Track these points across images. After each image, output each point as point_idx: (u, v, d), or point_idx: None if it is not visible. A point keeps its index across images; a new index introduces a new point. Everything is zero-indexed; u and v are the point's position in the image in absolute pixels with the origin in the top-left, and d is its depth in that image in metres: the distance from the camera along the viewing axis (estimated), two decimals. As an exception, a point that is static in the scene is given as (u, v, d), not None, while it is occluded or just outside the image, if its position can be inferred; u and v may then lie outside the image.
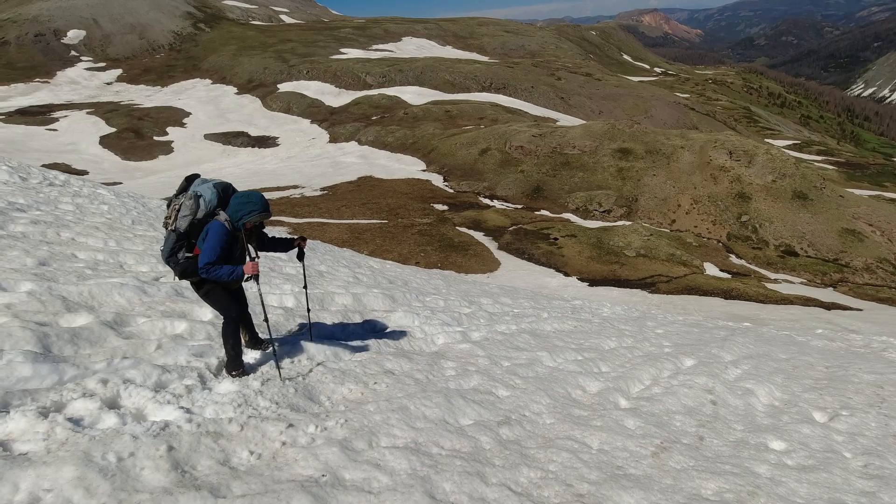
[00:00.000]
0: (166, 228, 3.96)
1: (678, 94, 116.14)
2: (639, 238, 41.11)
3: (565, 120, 75.64)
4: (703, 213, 47.00)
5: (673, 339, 9.05)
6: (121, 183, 45.69)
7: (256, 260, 4.04)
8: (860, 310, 29.27)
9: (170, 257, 3.95)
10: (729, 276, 37.56)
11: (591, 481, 3.47)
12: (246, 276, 3.96)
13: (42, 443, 2.82)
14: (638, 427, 4.52)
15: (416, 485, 3.06)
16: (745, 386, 6.17)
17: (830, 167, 71.39)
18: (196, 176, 4.12)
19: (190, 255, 3.95)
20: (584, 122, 68.79)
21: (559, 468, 3.60)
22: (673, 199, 48.77)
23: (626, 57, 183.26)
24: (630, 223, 45.39)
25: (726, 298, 32.73)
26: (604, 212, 48.53)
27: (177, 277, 4.04)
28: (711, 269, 38.72)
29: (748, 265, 40.84)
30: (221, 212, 3.96)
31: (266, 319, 4.38)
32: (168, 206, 4.08)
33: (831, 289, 36.85)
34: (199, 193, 3.92)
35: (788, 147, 76.82)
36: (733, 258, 41.86)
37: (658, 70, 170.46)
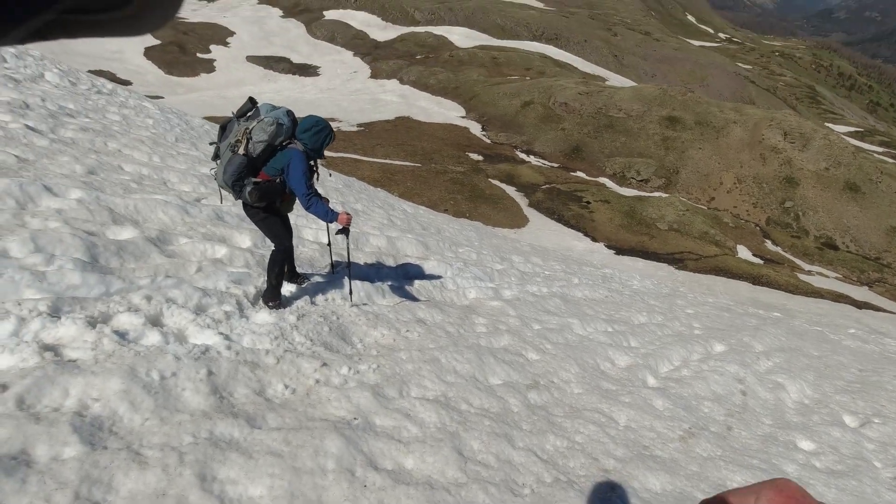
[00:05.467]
0: (233, 152, 3.83)
1: (740, 64, 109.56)
2: (673, 211, 40.11)
3: (615, 80, 72.56)
4: (745, 193, 45.36)
5: (703, 321, 8.88)
6: (163, 97, 45.88)
7: (348, 213, 4.06)
8: (894, 313, 28.36)
9: (236, 181, 3.86)
10: (761, 261, 36.62)
11: (618, 458, 3.45)
12: (339, 228, 4.01)
13: (90, 352, 2.89)
14: (666, 408, 4.47)
15: (446, 439, 3.07)
16: (775, 379, 6.04)
17: (892, 160, 67.51)
18: (255, 100, 4.00)
19: (258, 180, 3.89)
20: (635, 84, 65.92)
21: (586, 440, 3.59)
22: (716, 175, 47.08)
23: (689, 18, 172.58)
24: (667, 195, 44.18)
25: (754, 284, 32.06)
26: (641, 180, 47.21)
27: (248, 200, 3.93)
28: (744, 253, 37.80)
29: (783, 253, 39.67)
30: (296, 141, 3.91)
31: (349, 267, 4.44)
32: (223, 128, 3.98)
33: (867, 288, 35.68)
34: (280, 120, 3.84)
35: (849, 134, 72.56)
36: (769, 244, 40.65)
37: (722, 36, 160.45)
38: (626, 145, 49.85)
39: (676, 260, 34.26)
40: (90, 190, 5.61)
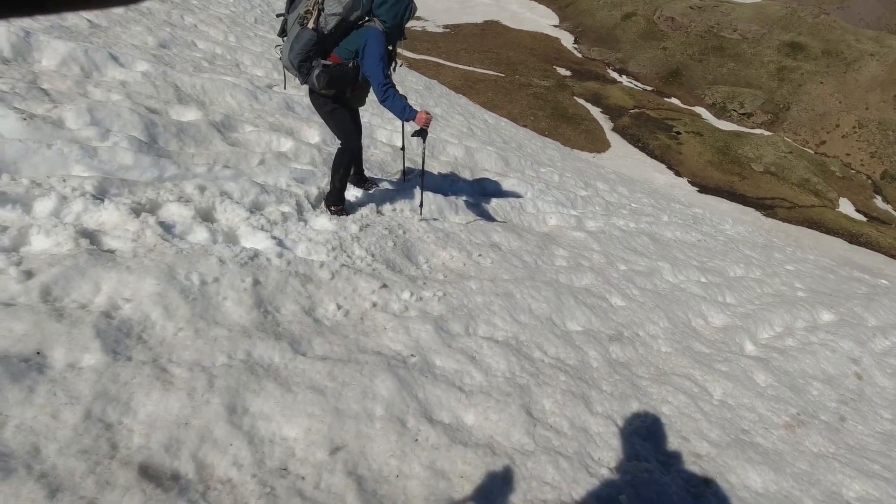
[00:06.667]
0: (302, 26, 3.26)
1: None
2: (774, 153, 36.34)
3: (736, -6, 63.90)
4: (863, 140, 40.12)
5: (806, 281, 7.84)
6: (248, -21, 44.95)
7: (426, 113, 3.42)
8: None
9: (303, 61, 3.32)
10: (864, 219, 33.03)
11: (712, 441, 2.91)
12: (416, 129, 3.41)
13: (130, 243, 2.58)
14: (769, 385, 3.82)
15: (514, 394, 2.63)
16: (896, 363, 5.18)
17: None
18: None
19: (328, 62, 3.33)
20: (759, 0, 57.78)
21: (674, 413, 3.06)
22: (833, 116, 41.71)
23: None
24: (769, 133, 39.97)
25: (850, 242, 29.28)
26: (743, 114, 42.71)
27: (315, 86, 3.39)
28: (846, 207, 34.22)
29: (894, 213, 35.49)
30: (375, 19, 3.26)
31: (423, 176, 3.93)
32: None
33: None
34: None
35: None
36: (878, 201, 36.42)
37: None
38: (733, 72, 44.72)
39: (766, 206, 31.56)
40: (158, 64, 5.26)
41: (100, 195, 2.88)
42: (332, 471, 1.92)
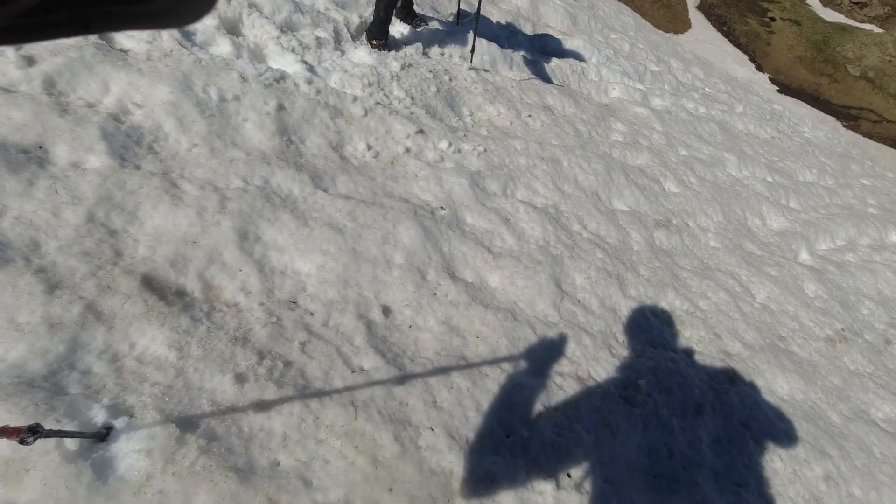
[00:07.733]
0: None
1: None
2: (878, 54, 31.88)
3: None
4: None
5: (881, 199, 7.15)
6: None
7: None
8: None
9: None
10: (962, 144, 29.73)
11: (745, 343, 2.74)
12: None
13: (144, 45, 2.32)
14: (818, 297, 3.56)
15: (545, 263, 2.45)
16: (960, 295, 4.78)
17: None
18: None
19: None
20: None
21: (711, 309, 2.87)
22: (965, 18, 35.76)
23: None
24: (881, 31, 34.78)
25: (938, 170, 26.61)
26: (856, 3, 36.91)
27: None
28: (943, 127, 30.65)
29: None
30: None
31: (477, 19, 3.36)
32: None
33: None
34: None
35: None
36: (985, 125, 32.44)
37: None
38: (858, -51, 37.82)
39: (850, 116, 28.55)
40: None
41: (116, -13, 2.56)
42: (342, 311, 1.82)
